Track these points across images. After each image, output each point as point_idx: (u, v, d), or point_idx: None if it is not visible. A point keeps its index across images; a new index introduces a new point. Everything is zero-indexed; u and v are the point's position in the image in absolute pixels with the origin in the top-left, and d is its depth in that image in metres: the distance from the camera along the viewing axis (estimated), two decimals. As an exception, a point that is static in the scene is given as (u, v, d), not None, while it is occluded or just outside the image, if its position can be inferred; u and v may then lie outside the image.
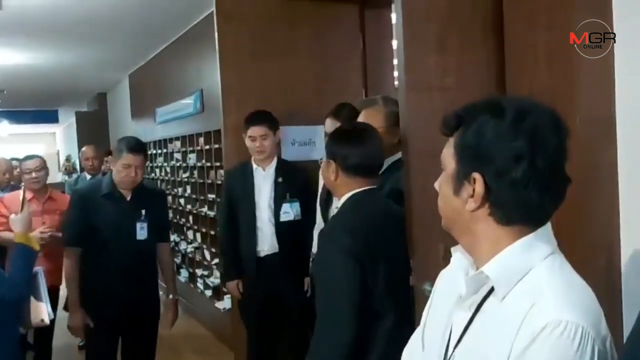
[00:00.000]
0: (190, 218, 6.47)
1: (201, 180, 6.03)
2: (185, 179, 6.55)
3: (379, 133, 2.29)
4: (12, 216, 2.81)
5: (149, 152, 8.02)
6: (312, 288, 3.38)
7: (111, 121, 11.65)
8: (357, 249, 1.92)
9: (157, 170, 7.75)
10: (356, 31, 4.39)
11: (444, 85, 2.28)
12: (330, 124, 3.29)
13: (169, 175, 7.23)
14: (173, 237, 7.02)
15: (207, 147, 5.73)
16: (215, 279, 5.81)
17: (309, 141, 4.21)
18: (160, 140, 7.55)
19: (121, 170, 3.31)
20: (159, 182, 7.66)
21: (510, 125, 1.07)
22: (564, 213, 2.01)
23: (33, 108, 14.48)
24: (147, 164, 8.10)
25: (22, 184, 4.28)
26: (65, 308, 3.45)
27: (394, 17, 4.30)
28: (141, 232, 3.41)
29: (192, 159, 6.29)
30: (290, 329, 3.77)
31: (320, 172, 2.25)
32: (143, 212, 3.42)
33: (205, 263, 6.07)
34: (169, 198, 7.13)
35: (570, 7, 1.98)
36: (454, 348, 1.17)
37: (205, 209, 5.93)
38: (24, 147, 17.89)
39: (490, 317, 1.11)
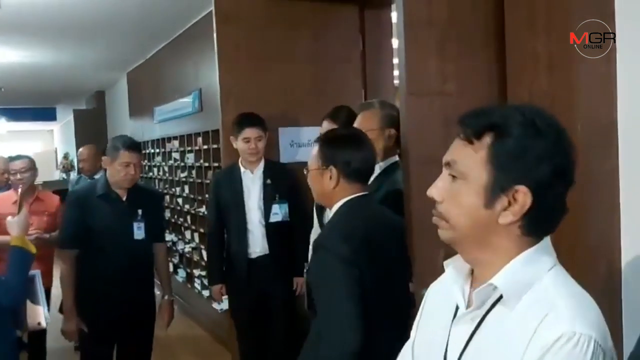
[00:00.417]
0: (188, 218, 6.45)
1: (199, 180, 6.01)
2: (184, 179, 6.53)
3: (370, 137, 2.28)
4: (9, 218, 2.78)
5: (148, 151, 8.01)
6: (308, 296, 3.37)
7: (109, 119, 11.63)
8: (354, 257, 1.89)
9: (155, 170, 7.73)
10: (356, 32, 4.37)
11: (444, 90, 2.28)
12: (327, 127, 3.28)
13: (167, 174, 7.21)
14: (171, 236, 7.01)
15: (206, 146, 5.72)
16: (212, 280, 5.79)
17: (307, 142, 4.19)
18: (158, 140, 7.53)
19: (120, 169, 3.29)
20: (156, 181, 7.64)
21: (554, 142, 1.08)
22: (563, 220, 2.02)
23: (31, 106, 14.44)
24: (145, 163, 8.19)
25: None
26: (61, 310, 3.42)
27: (394, 16, 4.31)
28: (138, 232, 3.40)
29: (190, 158, 6.27)
30: (280, 330, 3.77)
31: (308, 181, 2.17)
32: (140, 212, 3.40)
33: (203, 263, 6.05)
34: (167, 197, 7.12)
35: (571, 13, 1.97)
36: None
37: (203, 209, 5.91)
38: (22, 144, 17.93)
39: (497, 329, 1.10)
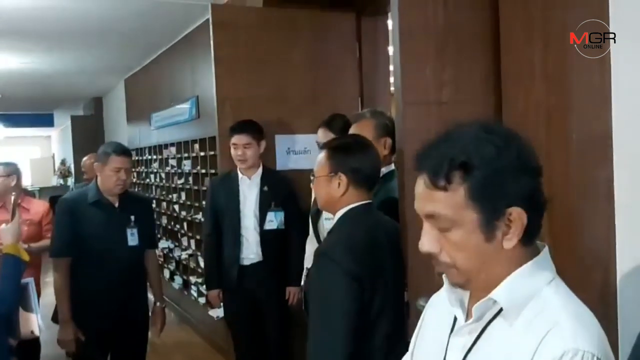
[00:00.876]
0: (185, 225, 6.44)
1: (196, 187, 6.00)
2: (180, 185, 6.52)
3: None
4: (2, 226, 2.76)
5: (144, 158, 8.01)
6: (305, 303, 3.36)
7: (107, 126, 11.63)
8: (357, 269, 1.89)
9: (152, 176, 7.72)
10: (352, 40, 4.37)
11: (440, 98, 2.28)
12: (323, 134, 3.29)
13: (164, 181, 7.20)
14: (167, 243, 6.99)
15: (202, 153, 5.71)
16: (209, 287, 5.77)
17: (304, 150, 4.19)
18: (155, 146, 7.53)
19: (111, 174, 3.29)
20: (153, 187, 7.63)
21: (518, 150, 1.07)
22: (559, 230, 2.01)
23: (28, 112, 14.44)
24: (141, 170, 8.19)
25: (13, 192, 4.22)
26: (54, 319, 3.39)
27: (390, 24, 4.31)
28: (132, 238, 3.39)
29: (187, 165, 6.26)
30: (274, 337, 3.77)
31: (313, 188, 2.18)
32: (132, 218, 3.40)
33: (199, 270, 6.03)
34: (164, 204, 7.11)
35: (566, 23, 1.97)
36: None
37: (199, 216, 5.90)
38: (19, 150, 17.92)
39: (497, 343, 1.09)
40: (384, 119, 2.79)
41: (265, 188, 3.73)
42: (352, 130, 2.74)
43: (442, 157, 1.06)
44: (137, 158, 8.40)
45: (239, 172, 3.76)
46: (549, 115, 2.06)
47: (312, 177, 2.15)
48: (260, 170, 3.77)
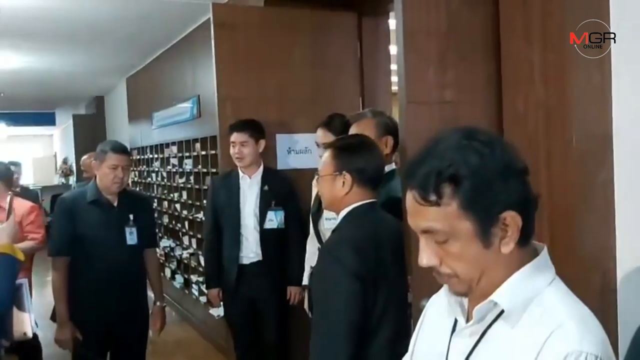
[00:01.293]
0: (186, 224, 6.44)
1: (197, 186, 6.01)
2: (182, 185, 6.53)
3: None
4: None
5: (146, 157, 8.01)
6: (309, 301, 3.37)
7: (108, 125, 11.64)
8: (361, 269, 1.89)
9: (154, 175, 7.72)
10: (353, 39, 4.37)
11: (443, 98, 2.28)
12: (322, 135, 3.29)
13: (165, 180, 7.21)
14: (168, 242, 7.00)
15: (204, 152, 5.71)
16: (210, 286, 5.77)
17: (305, 149, 4.19)
18: (157, 145, 7.53)
19: (108, 172, 3.28)
20: (155, 186, 7.64)
21: (501, 153, 1.07)
22: (559, 231, 2.02)
23: (30, 110, 14.45)
24: (143, 169, 8.20)
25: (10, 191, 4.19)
26: (52, 318, 3.39)
27: (392, 24, 4.31)
28: (131, 237, 3.38)
29: (188, 164, 6.27)
30: (273, 337, 3.77)
31: (318, 187, 2.19)
32: (131, 217, 3.39)
33: (200, 269, 6.03)
34: (165, 203, 7.12)
35: (565, 24, 1.97)
36: None
37: (200, 215, 5.90)
38: (21, 149, 17.95)
39: (498, 345, 1.09)
40: (385, 118, 2.79)
41: (266, 187, 3.73)
42: (352, 130, 2.74)
43: (429, 172, 1.06)
44: (138, 157, 8.41)
45: (239, 171, 3.76)
46: (549, 115, 2.06)
47: (316, 176, 2.16)
48: (261, 169, 3.77)
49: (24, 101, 12.30)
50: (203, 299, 5.94)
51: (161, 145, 7.32)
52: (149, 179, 7.91)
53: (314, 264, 3.23)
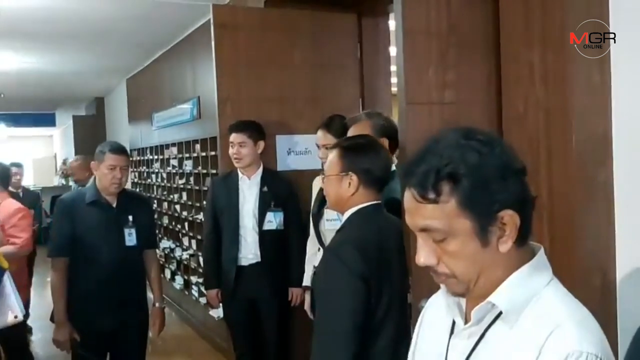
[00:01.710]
0: (186, 225, 6.44)
1: (197, 187, 6.01)
2: (182, 186, 6.53)
3: None
4: None
5: (146, 158, 8.01)
6: (312, 302, 3.36)
7: (108, 125, 11.64)
8: (365, 269, 1.89)
9: (153, 176, 7.72)
10: (353, 40, 4.37)
11: (443, 99, 2.28)
12: (322, 136, 3.29)
13: (165, 181, 7.20)
14: (168, 243, 7.00)
15: (204, 154, 5.71)
16: (210, 287, 5.77)
17: (305, 150, 4.19)
18: (157, 146, 7.53)
19: (106, 172, 3.28)
20: (154, 188, 7.63)
21: (500, 151, 1.07)
22: (559, 231, 2.02)
23: (30, 111, 14.45)
24: (143, 170, 8.20)
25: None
26: (52, 319, 3.40)
27: (391, 24, 4.31)
28: (129, 238, 3.38)
29: (188, 165, 6.27)
30: (273, 339, 3.76)
31: (323, 187, 2.19)
32: (130, 218, 3.39)
33: (200, 270, 6.03)
34: (165, 204, 7.11)
35: (565, 25, 1.97)
36: None
37: (200, 216, 5.89)
38: (21, 149, 17.93)
39: (498, 346, 1.09)
40: (381, 119, 2.78)
41: (265, 188, 3.72)
42: (350, 133, 2.74)
43: (428, 169, 1.06)
44: (138, 158, 8.41)
45: (239, 172, 3.75)
46: (549, 116, 2.06)
47: (322, 176, 2.16)
48: (260, 170, 3.77)
49: (24, 102, 12.30)
50: (203, 300, 5.93)
51: (161, 146, 7.32)
52: (149, 180, 7.91)
53: (315, 264, 3.24)
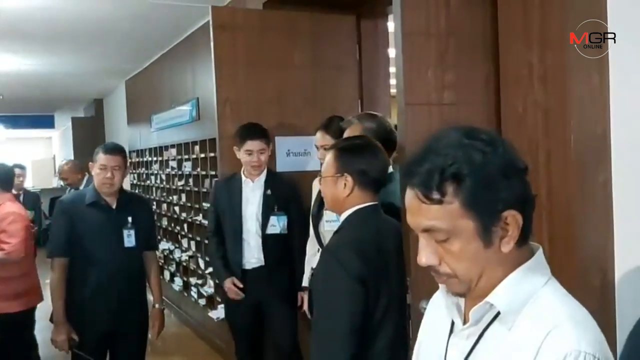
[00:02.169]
0: (185, 226, 6.44)
1: (196, 189, 6.01)
2: (181, 187, 6.53)
3: None
4: None
5: (145, 159, 8.01)
6: (310, 304, 3.34)
7: (107, 127, 11.63)
8: (363, 271, 1.89)
9: (153, 178, 7.72)
10: (352, 42, 4.37)
11: (442, 100, 2.29)
12: (321, 137, 3.29)
13: (164, 182, 7.20)
14: (167, 245, 7.00)
15: (203, 155, 5.71)
16: (209, 288, 5.78)
17: (304, 152, 4.19)
18: (156, 148, 7.53)
19: (98, 172, 3.29)
20: (154, 189, 7.63)
21: (503, 151, 1.07)
22: (558, 231, 2.02)
23: (29, 113, 14.44)
24: (142, 171, 8.20)
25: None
26: (52, 320, 3.40)
27: (390, 26, 4.32)
28: (128, 239, 3.38)
29: (187, 166, 6.27)
30: (281, 342, 3.73)
31: (321, 188, 2.19)
32: (129, 219, 3.39)
33: (200, 272, 6.04)
34: (164, 206, 7.11)
35: (564, 25, 1.98)
36: None
37: (200, 217, 5.90)
38: (20, 151, 17.92)
39: (496, 346, 1.09)
40: (373, 123, 2.76)
41: (269, 192, 3.66)
42: (344, 136, 2.74)
43: (431, 169, 1.05)
44: (137, 160, 8.41)
45: (242, 175, 3.70)
46: (548, 116, 2.07)
47: (319, 177, 2.16)
48: (264, 173, 3.70)
49: (23, 104, 12.28)
50: (202, 301, 5.94)
51: (160, 147, 7.32)
52: (148, 181, 7.91)
53: (314, 265, 3.23)
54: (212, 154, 5.34)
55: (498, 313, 1.09)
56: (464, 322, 1.16)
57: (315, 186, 3.38)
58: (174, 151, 6.77)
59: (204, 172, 5.70)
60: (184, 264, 6.52)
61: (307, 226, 3.43)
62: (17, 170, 6.32)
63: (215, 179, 3.92)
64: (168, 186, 7.03)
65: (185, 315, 6.59)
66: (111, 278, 3.27)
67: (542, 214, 2.03)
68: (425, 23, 2.27)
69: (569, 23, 1.95)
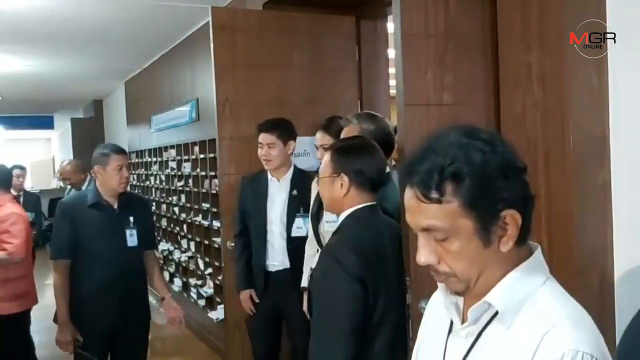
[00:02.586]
0: (185, 227, 6.45)
1: (196, 189, 6.01)
2: (180, 188, 6.53)
3: None
4: None
5: (144, 160, 8.01)
6: (309, 304, 3.32)
7: (107, 128, 11.63)
8: (362, 271, 1.89)
9: (152, 179, 7.73)
10: (352, 42, 4.38)
11: (441, 101, 2.29)
12: (321, 137, 3.28)
13: (164, 183, 7.21)
14: (167, 245, 7.00)
15: (202, 156, 5.72)
16: (208, 289, 5.79)
17: (303, 152, 4.18)
18: (155, 148, 7.54)
19: (114, 174, 3.30)
20: (153, 190, 7.64)
21: (503, 150, 1.07)
22: (557, 231, 2.02)
23: (28, 114, 14.43)
24: (141, 172, 8.20)
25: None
26: (55, 320, 3.40)
27: (390, 27, 4.32)
28: (131, 239, 3.40)
29: (186, 167, 6.27)
30: (299, 348, 3.66)
31: (318, 188, 2.19)
32: (131, 219, 3.40)
33: (199, 272, 6.04)
34: (163, 206, 7.12)
35: (563, 26, 1.99)
36: None
37: (199, 218, 5.91)
38: (20, 152, 17.92)
39: (494, 346, 1.09)
40: (371, 123, 2.75)
41: (295, 192, 3.51)
42: (342, 136, 2.73)
43: (431, 168, 1.05)
44: (137, 160, 8.41)
45: (269, 174, 3.57)
46: (547, 117, 2.07)
47: (316, 178, 2.16)
48: (290, 171, 3.57)
49: (22, 104, 12.27)
50: (201, 302, 5.94)
51: (160, 148, 7.32)
52: (148, 182, 7.92)
53: (313, 266, 3.23)
54: (211, 155, 5.34)
55: (496, 312, 1.09)
56: (463, 322, 1.16)
57: (314, 186, 3.37)
58: (173, 152, 6.78)
59: (203, 173, 5.71)
60: (184, 264, 6.52)
61: None
62: (17, 171, 6.33)
63: (242, 177, 3.76)
64: (167, 187, 7.03)
65: (185, 316, 6.57)
66: (114, 277, 3.29)
67: (541, 214, 2.03)
68: (424, 24, 2.28)
69: (568, 24, 1.96)
